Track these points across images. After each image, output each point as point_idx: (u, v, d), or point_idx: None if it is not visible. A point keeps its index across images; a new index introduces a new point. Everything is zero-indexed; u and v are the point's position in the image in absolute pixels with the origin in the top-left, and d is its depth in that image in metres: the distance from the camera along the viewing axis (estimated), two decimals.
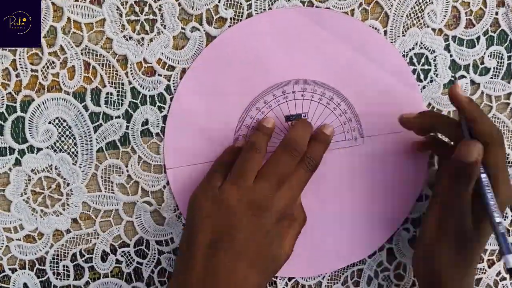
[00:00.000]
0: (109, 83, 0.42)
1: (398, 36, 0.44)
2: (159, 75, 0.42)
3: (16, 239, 0.43)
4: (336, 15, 0.43)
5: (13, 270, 0.44)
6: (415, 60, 0.44)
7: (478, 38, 0.45)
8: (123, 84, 0.42)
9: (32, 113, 0.41)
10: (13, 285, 0.44)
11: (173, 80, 0.42)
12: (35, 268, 0.44)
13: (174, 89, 0.43)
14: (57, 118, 0.42)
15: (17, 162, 0.42)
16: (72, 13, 0.41)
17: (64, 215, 0.43)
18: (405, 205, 0.46)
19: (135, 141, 0.43)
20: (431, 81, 0.45)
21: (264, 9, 0.42)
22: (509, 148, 0.47)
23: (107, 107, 0.42)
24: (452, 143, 0.42)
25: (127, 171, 0.43)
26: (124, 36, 0.41)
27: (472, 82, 0.45)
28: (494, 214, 0.36)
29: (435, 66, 0.45)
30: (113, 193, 0.43)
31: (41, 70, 0.41)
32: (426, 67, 0.45)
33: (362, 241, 0.46)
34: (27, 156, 0.42)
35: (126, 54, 0.42)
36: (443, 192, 0.40)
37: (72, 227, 0.44)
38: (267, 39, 0.43)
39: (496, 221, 0.36)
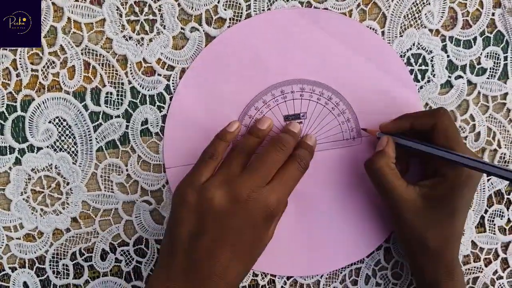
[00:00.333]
0: (109, 82, 0.42)
1: (396, 37, 0.44)
2: (158, 75, 0.42)
3: (16, 238, 0.43)
4: (334, 16, 0.43)
5: (13, 269, 0.44)
6: (412, 60, 0.45)
7: (474, 39, 0.45)
8: (122, 83, 0.42)
9: (32, 113, 0.42)
10: (13, 284, 0.44)
11: (173, 80, 0.43)
12: (34, 267, 0.44)
13: (174, 89, 0.43)
14: (57, 117, 0.42)
15: (17, 161, 0.42)
16: (72, 13, 0.41)
17: (64, 214, 0.43)
18: None
19: (135, 141, 0.43)
20: (428, 81, 0.45)
21: (263, 10, 0.43)
22: (505, 148, 0.47)
23: (107, 107, 0.42)
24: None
25: (127, 170, 0.43)
26: (124, 36, 0.42)
27: (469, 82, 0.46)
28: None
29: (432, 66, 0.45)
30: (113, 192, 0.44)
31: (42, 70, 0.41)
32: (423, 67, 0.45)
33: (360, 241, 0.47)
34: (27, 155, 0.42)
35: (126, 54, 0.42)
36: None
37: (72, 226, 0.44)
38: (266, 39, 0.43)
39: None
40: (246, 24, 0.43)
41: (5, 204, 0.43)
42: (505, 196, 0.48)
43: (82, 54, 0.42)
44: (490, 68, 0.46)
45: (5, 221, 0.43)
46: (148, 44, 0.42)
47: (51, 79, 0.42)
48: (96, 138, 0.43)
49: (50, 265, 0.44)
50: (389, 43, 0.44)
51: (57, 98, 0.42)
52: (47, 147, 0.42)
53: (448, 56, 0.45)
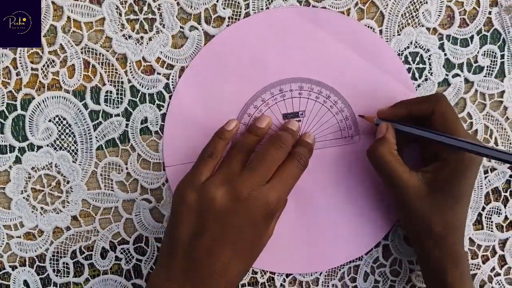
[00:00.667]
0: (108, 81, 0.42)
1: (393, 35, 0.45)
2: (158, 73, 0.43)
3: (16, 237, 0.44)
4: (332, 15, 0.44)
5: (14, 267, 0.44)
6: (410, 59, 0.45)
7: (471, 37, 0.46)
8: (122, 82, 0.42)
9: (32, 111, 0.42)
10: (14, 282, 0.44)
11: (172, 79, 0.43)
12: (35, 265, 0.44)
13: (173, 88, 0.43)
14: (57, 116, 0.42)
15: (18, 160, 0.43)
16: (72, 12, 0.41)
17: (64, 213, 0.44)
18: None
19: (135, 139, 0.43)
20: (426, 79, 0.46)
21: (262, 9, 0.43)
22: (502, 145, 0.47)
23: (107, 105, 0.43)
24: None
25: (127, 168, 0.44)
26: (124, 35, 0.42)
27: (466, 80, 0.46)
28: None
29: (430, 64, 0.45)
30: (113, 190, 0.44)
31: (41, 69, 0.42)
32: (420, 65, 0.45)
33: (359, 239, 0.47)
34: (27, 154, 0.42)
35: (126, 53, 0.42)
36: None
37: (72, 224, 0.44)
38: (264, 38, 0.43)
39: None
40: (245, 23, 0.43)
41: (5, 203, 0.43)
42: (502, 194, 0.48)
43: (81, 53, 0.42)
44: (487, 66, 0.46)
45: (5, 219, 0.43)
46: (147, 43, 0.42)
47: (51, 78, 0.42)
48: (96, 137, 0.43)
49: (50, 263, 0.44)
50: (387, 41, 0.45)
51: (57, 97, 0.42)
52: (47, 145, 0.43)
53: (445, 54, 0.45)
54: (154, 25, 0.42)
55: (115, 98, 0.43)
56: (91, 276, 0.45)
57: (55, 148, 0.43)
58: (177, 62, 0.43)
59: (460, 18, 0.45)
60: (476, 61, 0.46)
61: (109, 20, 0.41)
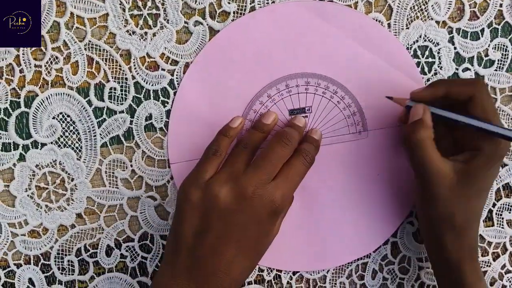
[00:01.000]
0: (112, 78, 0.42)
1: (402, 29, 0.44)
2: (162, 69, 0.42)
3: (21, 235, 0.43)
4: (339, 8, 0.43)
5: (18, 265, 0.44)
6: (419, 52, 0.44)
7: (482, 31, 0.45)
8: (126, 79, 0.42)
9: (36, 109, 0.42)
10: (18, 281, 0.44)
11: (177, 75, 0.42)
12: (40, 263, 0.44)
13: (178, 84, 0.43)
14: (61, 113, 0.42)
15: (22, 158, 0.42)
16: (75, 8, 0.41)
17: (68, 210, 0.43)
18: (409, 198, 0.46)
19: (139, 136, 0.43)
20: (435, 74, 0.45)
21: (267, 3, 0.42)
22: None
23: (111, 102, 0.42)
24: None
25: (131, 166, 0.43)
26: (127, 31, 0.41)
27: (477, 74, 0.45)
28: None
29: (439, 58, 0.45)
30: (117, 188, 0.43)
31: (45, 66, 0.41)
32: (430, 59, 0.45)
33: (367, 236, 0.46)
34: (31, 152, 0.42)
35: (129, 49, 0.42)
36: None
37: (77, 222, 0.44)
38: (270, 33, 0.42)
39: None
40: (250, 18, 0.42)
41: (9, 201, 0.43)
42: None
43: (85, 49, 0.41)
44: (498, 60, 0.45)
45: (10, 217, 0.43)
46: (151, 39, 0.42)
47: (55, 75, 0.41)
48: (100, 134, 0.43)
49: (55, 261, 0.44)
50: (396, 35, 0.44)
51: (61, 93, 0.42)
52: (51, 143, 0.42)
53: (455, 48, 0.45)
54: (158, 20, 0.41)
55: (119, 94, 0.42)
56: (96, 274, 0.45)
57: (59, 146, 0.42)
58: (181, 57, 0.42)
59: (470, 11, 0.44)
60: (486, 55, 0.45)
61: (113, 16, 0.41)
